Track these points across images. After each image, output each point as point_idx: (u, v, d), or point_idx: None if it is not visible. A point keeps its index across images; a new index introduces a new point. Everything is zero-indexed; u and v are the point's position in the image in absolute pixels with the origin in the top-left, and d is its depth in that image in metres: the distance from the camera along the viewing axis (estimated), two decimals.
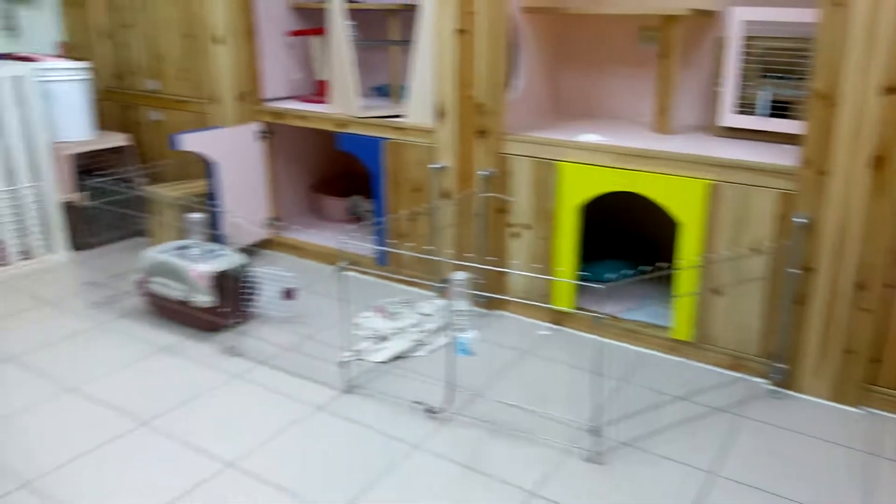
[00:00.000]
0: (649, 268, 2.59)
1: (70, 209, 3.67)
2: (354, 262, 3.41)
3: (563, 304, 2.95)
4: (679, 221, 2.65)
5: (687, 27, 3.11)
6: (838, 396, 2.46)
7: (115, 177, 3.70)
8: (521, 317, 3.08)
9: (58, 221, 3.62)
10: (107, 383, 2.52)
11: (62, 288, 3.32)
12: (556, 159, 2.83)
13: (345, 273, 2.44)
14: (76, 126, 3.68)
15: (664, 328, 2.81)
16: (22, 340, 2.82)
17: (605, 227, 3.43)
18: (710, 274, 2.62)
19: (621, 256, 3.22)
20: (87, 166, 3.72)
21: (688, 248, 2.65)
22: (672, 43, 2.88)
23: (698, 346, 2.72)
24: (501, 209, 3.01)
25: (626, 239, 3.40)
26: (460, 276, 2.15)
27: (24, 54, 3.68)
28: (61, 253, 3.65)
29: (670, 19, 2.86)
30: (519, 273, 3.02)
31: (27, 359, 2.67)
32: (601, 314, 2.84)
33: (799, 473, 2.11)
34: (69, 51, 4.19)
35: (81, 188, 3.68)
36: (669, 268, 2.67)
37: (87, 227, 3.76)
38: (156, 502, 1.94)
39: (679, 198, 2.63)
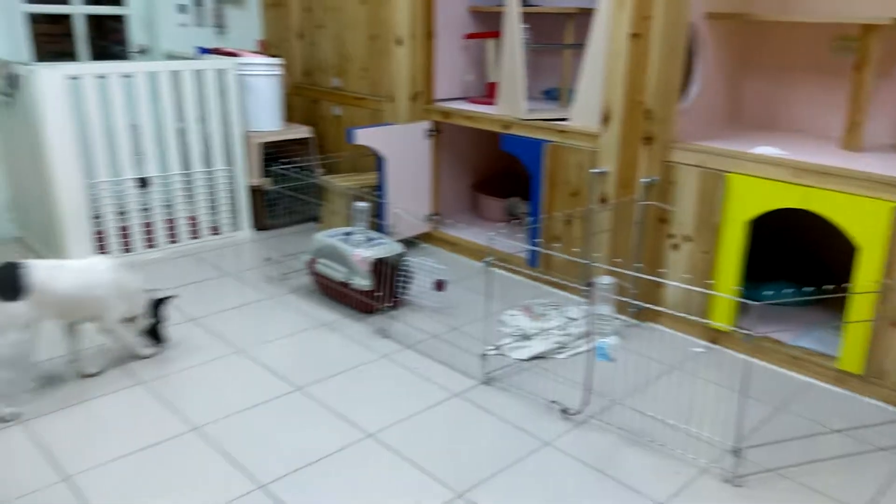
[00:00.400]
0: (817, 291, 2.41)
1: (255, 192, 4.02)
2: (505, 260, 3.45)
3: (721, 321, 2.81)
4: (857, 245, 2.44)
5: (888, 37, 2.85)
6: None
7: (296, 165, 4.01)
8: (673, 331, 2.97)
9: (244, 203, 3.98)
10: (271, 349, 2.74)
11: (242, 262, 3.65)
12: (726, 171, 2.71)
13: (492, 268, 2.48)
14: (267, 117, 4.04)
15: (831, 357, 2.59)
16: (204, 305, 3.13)
17: (775, 245, 3.22)
18: (889, 303, 2.39)
19: (789, 278, 3.01)
20: (273, 154, 4.06)
21: (865, 273, 2.43)
22: (870, 53, 2.66)
23: (867, 379, 2.48)
24: (662, 218, 2.92)
25: (796, 260, 3.17)
26: (606, 280, 2.12)
27: (228, 49, 4.09)
28: (245, 231, 4.01)
29: (870, 28, 2.64)
30: (675, 285, 2.91)
31: (206, 321, 2.97)
32: (759, 335, 2.67)
33: None
34: (267, 48, 4.60)
35: (266, 174, 4.02)
36: (841, 292, 2.46)
37: (269, 210, 4.11)
38: (303, 460, 2.09)
39: (860, 219, 2.42)
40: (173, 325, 2.90)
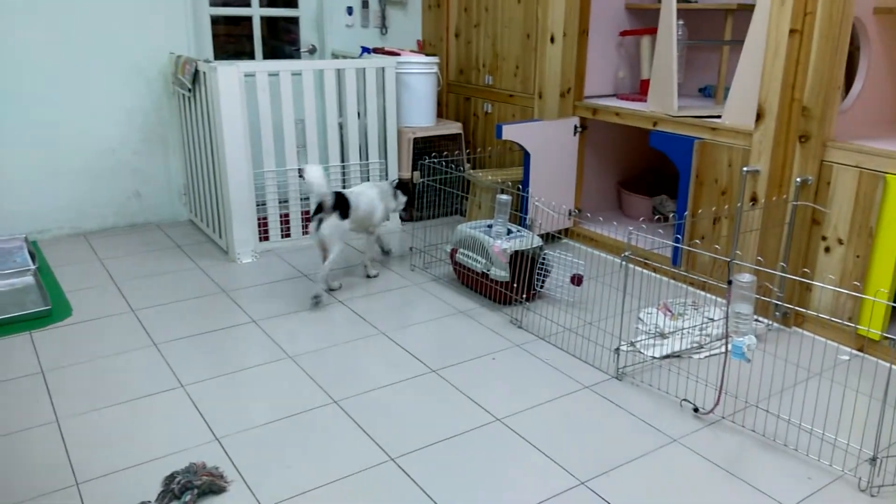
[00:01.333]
0: None
1: (405, 184, 4.24)
2: (647, 257, 3.42)
3: (873, 327, 2.65)
4: None
5: None
6: None
7: (445, 159, 4.18)
8: (819, 337, 2.84)
9: None
10: (411, 333, 2.91)
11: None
12: (885, 172, 2.55)
13: (629, 264, 2.50)
14: (421, 113, 4.24)
15: None
16: (351, 290, 3.36)
17: None
18: None
19: None
20: (425, 148, 4.26)
21: None
22: None
23: None
24: (815, 220, 2.80)
25: None
26: (746, 278, 2.08)
27: (389, 49, 4.34)
28: (394, 221, 4.23)
29: None
30: (825, 287, 2.78)
31: (353, 304, 3.19)
32: (891, 340, 2.51)
33: None
34: (425, 47, 4.82)
35: (416, 167, 4.23)
36: None
37: (418, 202, 4.31)
38: (433, 438, 2.22)
39: None
40: (328, 305, 3.15)
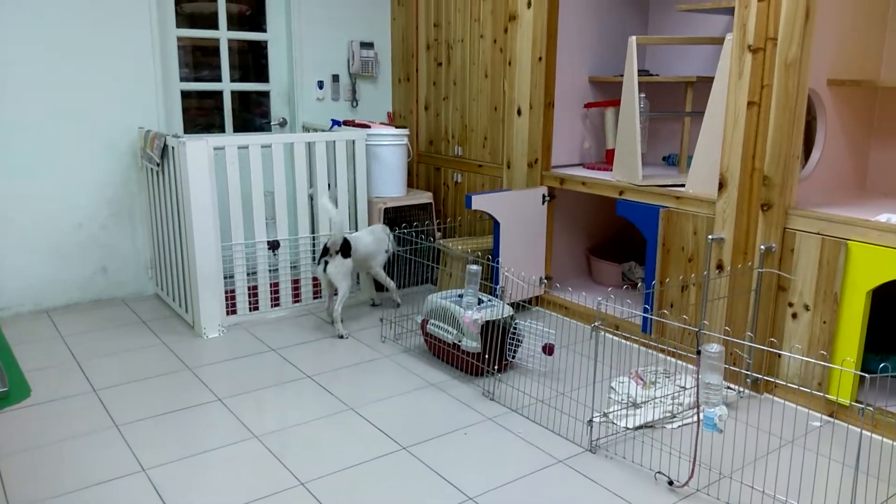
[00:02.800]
0: None
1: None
2: (617, 325, 3.42)
3: (842, 395, 2.65)
4: None
5: None
6: None
7: (416, 229, 4.19)
8: (790, 403, 2.84)
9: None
10: (381, 408, 2.85)
11: (360, 322, 3.82)
12: (847, 238, 2.60)
13: (600, 332, 2.49)
14: (392, 184, 4.27)
15: None
16: (320, 363, 3.30)
17: None
18: None
19: None
20: (395, 219, 4.27)
21: None
22: None
23: None
24: (781, 287, 2.83)
25: None
26: (714, 348, 2.08)
27: (359, 121, 4.39)
28: (365, 291, 4.21)
29: None
30: (793, 356, 2.79)
31: (321, 378, 3.12)
32: (880, 408, 2.50)
33: None
34: (395, 119, 4.89)
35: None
36: None
37: (389, 271, 4.29)
38: None
39: None
40: (296, 380, 3.09)
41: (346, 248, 3.61)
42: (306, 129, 4.54)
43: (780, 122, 2.71)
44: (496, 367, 3.06)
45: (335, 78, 4.65)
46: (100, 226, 4.02)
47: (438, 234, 4.39)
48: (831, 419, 2.72)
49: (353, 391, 2.99)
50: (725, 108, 2.90)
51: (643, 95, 3.36)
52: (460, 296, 3.21)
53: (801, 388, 2.76)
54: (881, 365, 2.59)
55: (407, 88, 4.78)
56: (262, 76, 4.58)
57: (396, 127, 4.29)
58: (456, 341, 3.09)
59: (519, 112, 3.84)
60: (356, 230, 4.10)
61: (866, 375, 1.90)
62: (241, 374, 3.15)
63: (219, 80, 4.40)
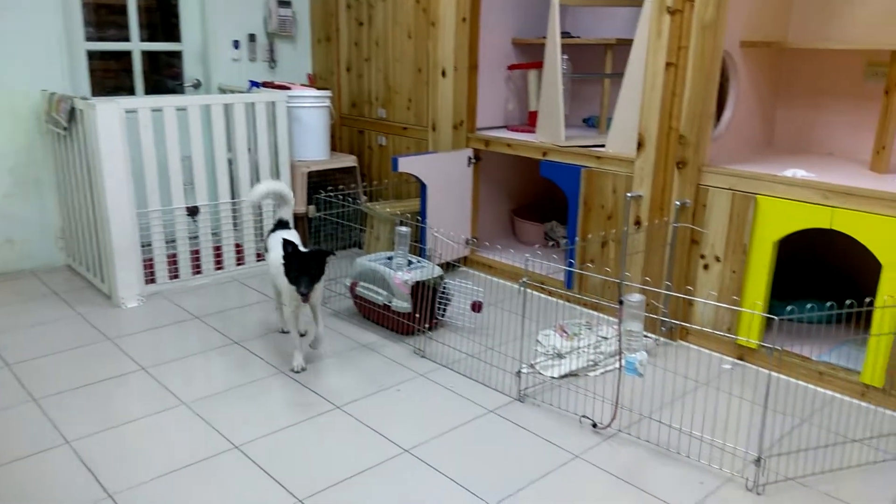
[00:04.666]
0: (841, 307, 2.43)
1: (301, 219, 4.19)
2: (541, 282, 3.53)
3: (749, 338, 2.84)
4: (882, 262, 2.46)
5: None
6: None
7: (341, 193, 4.16)
8: (702, 349, 3.02)
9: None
10: (313, 370, 2.85)
11: None
12: (755, 193, 2.76)
13: (527, 289, 2.57)
14: (314, 147, 4.22)
15: (854, 372, 2.61)
16: (249, 328, 3.27)
17: (802, 264, 3.24)
18: None
19: (816, 296, 3.02)
20: (319, 182, 4.23)
21: (889, 289, 2.45)
22: None
23: (890, 392, 2.50)
24: (694, 240, 2.98)
25: (823, 278, 3.18)
26: (635, 297, 2.19)
27: (279, 83, 4.30)
28: None
29: None
30: (705, 302, 2.96)
31: (250, 344, 3.10)
32: (785, 350, 2.70)
33: None
34: (316, 81, 4.81)
35: (312, 201, 4.19)
36: (864, 308, 2.48)
37: (314, 236, 4.26)
38: (343, 473, 2.18)
39: (884, 238, 2.44)
40: (219, 348, 3.05)
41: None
42: (222, 90, 4.41)
43: (696, 83, 2.83)
44: (427, 326, 3.10)
45: (252, 38, 4.52)
46: (2, 195, 3.81)
47: (364, 198, 4.38)
48: (740, 362, 2.91)
49: (283, 355, 2.98)
50: (644, 69, 3.00)
51: (566, 57, 3.42)
52: (389, 258, 3.23)
53: (714, 333, 2.94)
54: (788, 308, 2.77)
55: (327, 49, 4.70)
56: (174, 36, 4.40)
57: (318, 89, 4.22)
58: (386, 302, 3.11)
59: (443, 74, 3.84)
60: (273, 209, 4.02)
61: (775, 318, 2.05)
62: (164, 342, 3.08)
63: (127, 39, 4.21)
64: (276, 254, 2.83)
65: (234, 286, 3.80)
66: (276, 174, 4.01)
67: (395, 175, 4.34)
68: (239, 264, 3.97)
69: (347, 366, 2.88)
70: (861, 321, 2.92)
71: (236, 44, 4.47)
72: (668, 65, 2.91)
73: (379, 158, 4.52)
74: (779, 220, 2.70)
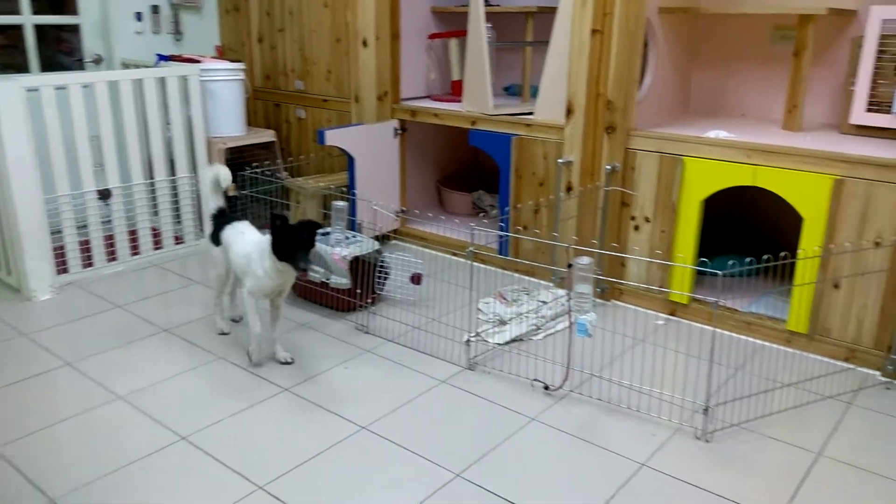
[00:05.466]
0: (767, 260, 2.59)
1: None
2: (478, 250, 3.56)
3: (680, 296, 2.98)
4: (802, 216, 2.63)
5: (823, 26, 3.06)
6: None
7: (262, 169, 4.03)
8: (636, 307, 3.15)
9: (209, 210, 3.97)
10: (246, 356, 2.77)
11: (209, 271, 3.64)
12: (682, 154, 2.87)
13: (472, 258, 2.59)
14: (230, 122, 4.06)
15: (780, 321, 2.80)
16: (175, 315, 3.13)
17: (727, 221, 3.42)
18: (830, 267, 2.59)
19: (741, 251, 3.20)
20: (237, 159, 4.08)
21: (809, 242, 2.63)
22: (806, 42, 2.86)
23: (813, 337, 2.70)
24: (624, 202, 3.08)
25: (746, 234, 3.37)
26: (584, 260, 2.24)
27: (187, 56, 4.09)
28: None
29: (806, 18, 2.84)
30: (638, 258, 3.07)
31: (180, 330, 2.97)
32: (718, 301, 2.86)
33: None
34: (225, 53, 4.61)
35: (231, 179, 4.03)
36: (788, 260, 2.66)
37: (236, 215, 4.12)
38: (301, 456, 2.14)
39: (804, 193, 2.61)
40: (148, 337, 2.92)
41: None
42: (126, 66, 4.16)
43: (622, 49, 2.90)
44: (368, 301, 3.08)
45: (154, 9, 4.27)
46: None
47: (285, 174, 4.26)
48: (672, 317, 3.05)
49: (219, 340, 2.88)
50: (570, 36, 3.04)
51: (490, 26, 3.43)
52: (324, 234, 3.17)
53: (649, 289, 3.06)
54: (730, 263, 2.91)
55: (236, 19, 4.51)
56: (70, 8, 4.09)
57: (230, 61, 4.05)
58: (324, 279, 3.06)
59: (365, 44, 3.77)
60: (190, 187, 3.86)
61: (719, 273, 2.15)
62: (87, 334, 2.91)
63: (17, 12, 3.89)
64: (241, 247, 2.64)
65: (153, 272, 3.63)
66: (191, 152, 3.84)
67: (318, 148, 4.25)
68: (157, 248, 3.79)
69: (290, 347, 2.81)
70: (782, 274, 3.11)
71: (139, 16, 4.22)
72: (593, 31, 2.96)
73: (298, 132, 4.40)
74: (705, 179, 2.83)
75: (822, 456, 2.13)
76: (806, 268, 2.65)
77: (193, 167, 3.86)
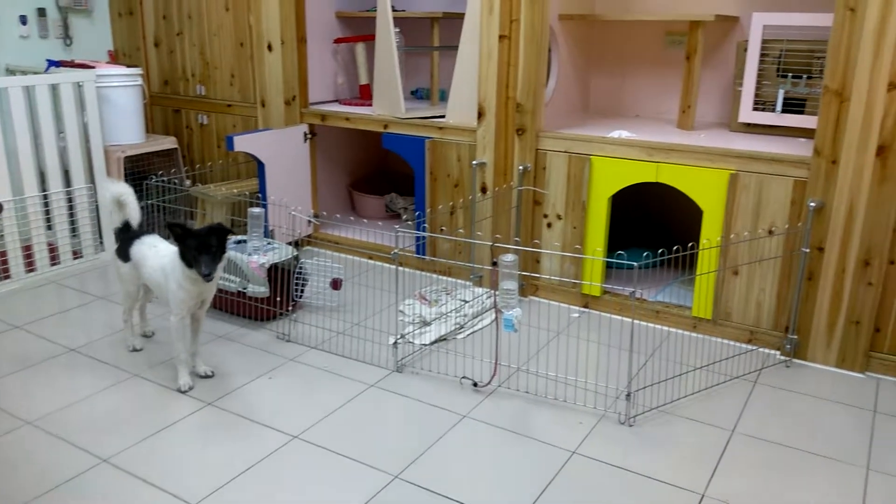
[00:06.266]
0: (671, 252, 2.76)
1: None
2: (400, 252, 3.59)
3: (593, 288, 3.13)
4: (702, 209, 2.82)
5: (711, 31, 3.28)
6: (844, 363, 2.65)
7: (164, 178, 3.90)
8: (551, 301, 3.27)
9: (108, 221, 3.80)
10: (169, 369, 2.66)
11: (111, 286, 3.48)
12: (589, 154, 3.01)
13: (397, 260, 2.62)
14: (128, 129, 3.89)
15: (686, 308, 2.99)
16: (79, 333, 2.99)
17: (633, 216, 3.61)
18: (729, 256, 2.80)
19: (646, 244, 3.40)
20: (138, 168, 3.92)
21: (709, 233, 2.82)
22: (697, 46, 3.06)
23: (717, 322, 2.90)
24: (536, 201, 3.19)
25: (651, 227, 3.57)
26: (509, 257, 2.32)
27: (80, 61, 3.90)
28: (111, 251, 3.83)
29: (696, 24, 3.03)
30: (556, 253, 3.20)
31: (87, 349, 2.83)
32: (631, 292, 3.02)
33: (808, 429, 2.31)
34: (119, 58, 4.42)
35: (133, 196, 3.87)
36: (692, 251, 2.84)
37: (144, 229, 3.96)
38: (234, 470, 2.10)
39: (702, 187, 2.80)
40: (54, 357, 2.78)
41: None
42: (11, 72, 3.91)
43: (528, 54, 3.01)
44: (288, 309, 3.04)
45: (41, 12, 4.03)
46: None
47: (188, 182, 4.13)
48: (586, 310, 3.19)
49: (131, 357, 2.77)
50: (479, 41, 3.12)
51: (398, 30, 3.46)
52: (237, 242, 3.11)
53: (563, 280, 3.19)
54: (644, 254, 3.07)
55: (130, 23, 4.33)
56: None
57: (126, 66, 3.89)
58: (241, 289, 3.00)
59: (270, 48, 3.71)
60: (87, 198, 3.69)
61: (634, 265, 2.28)
62: None
63: None
64: (155, 261, 2.53)
65: (51, 289, 3.44)
66: (87, 161, 3.66)
67: (223, 155, 4.15)
68: (54, 264, 3.60)
69: (209, 360, 2.74)
70: (684, 263, 3.31)
71: (24, 19, 3.97)
72: (501, 37, 3.05)
73: (200, 138, 4.28)
74: (611, 177, 2.97)
75: (735, 433, 2.30)
76: (707, 257, 2.84)
77: (91, 178, 3.69)
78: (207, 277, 2.35)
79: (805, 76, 2.88)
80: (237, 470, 2.10)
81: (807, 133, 2.93)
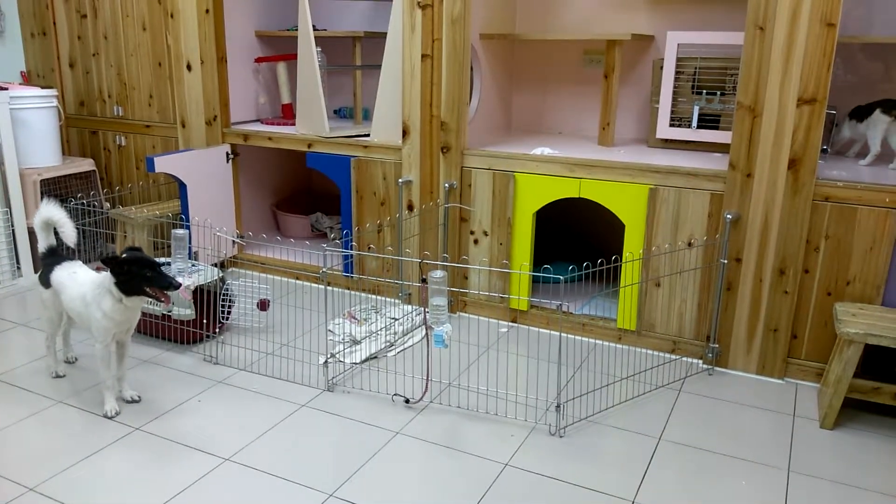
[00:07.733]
0: (595, 265, 2.85)
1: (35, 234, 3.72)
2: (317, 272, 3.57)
3: (521, 303, 3.19)
4: (624, 223, 2.93)
5: (628, 50, 3.42)
6: (764, 370, 2.79)
7: (83, 201, 3.78)
8: (479, 317, 3.32)
9: (25, 246, 3.66)
10: (93, 395, 2.60)
11: (30, 312, 3.36)
12: (513, 171, 3.08)
13: (325, 279, 2.62)
14: (43, 152, 3.76)
15: (611, 320, 3.08)
16: (2, 362, 2.87)
17: (557, 231, 3.71)
18: (651, 268, 2.91)
19: (571, 258, 3.49)
20: (55, 191, 3.79)
21: (631, 246, 2.93)
22: (614, 65, 3.18)
23: (641, 333, 3.00)
24: (463, 218, 3.24)
25: (575, 241, 3.67)
26: (438, 274, 2.35)
27: None
28: (27, 277, 3.69)
29: (613, 43, 3.16)
30: (479, 268, 3.25)
31: (8, 377, 2.72)
32: (558, 305, 3.09)
33: (731, 434, 2.41)
34: (32, 79, 4.26)
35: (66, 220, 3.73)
36: (615, 264, 2.94)
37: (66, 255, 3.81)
38: (166, 494, 2.05)
39: (624, 202, 2.91)
40: None
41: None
42: None
43: (451, 73, 3.07)
44: (215, 331, 2.99)
45: None
46: None
47: (107, 205, 4.01)
48: (514, 324, 3.25)
49: (55, 384, 2.68)
50: (402, 61, 3.16)
51: (320, 49, 3.47)
52: (162, 264, 3.03)
53: (491, 295, 3.24)
54: (569, 268, 3.15)
55: (44, 44, 4.18)
56: None
57: (40, 87, 3.76)
58: (166, 312, 2.93)
59: (189, 67, 3.66)
60: (3, 222, 3.55)
61: (560, 278, 2.34)
62: None
63: None
64: (75, 290, 2.46)
65: None
66: (3, 184, 3.52)
67: (142, 176, 4.05)
68: None
69: (135, 384, 2.67)
70: (607, 277, 3.42)
71: None
72: (423, 56, 3.10)
73: (119, 160, 4.16)
74: (535, 193, 3.05)
75: (662, 440, 2.38)
76: (630, 270, 2.95)
77: (7, 202, 3.54)
78: (167, 299, 2.38)
79: (719, 93, 3.03)
80: (168, 494, 2.05)
81: (722, 148, 3.09)
